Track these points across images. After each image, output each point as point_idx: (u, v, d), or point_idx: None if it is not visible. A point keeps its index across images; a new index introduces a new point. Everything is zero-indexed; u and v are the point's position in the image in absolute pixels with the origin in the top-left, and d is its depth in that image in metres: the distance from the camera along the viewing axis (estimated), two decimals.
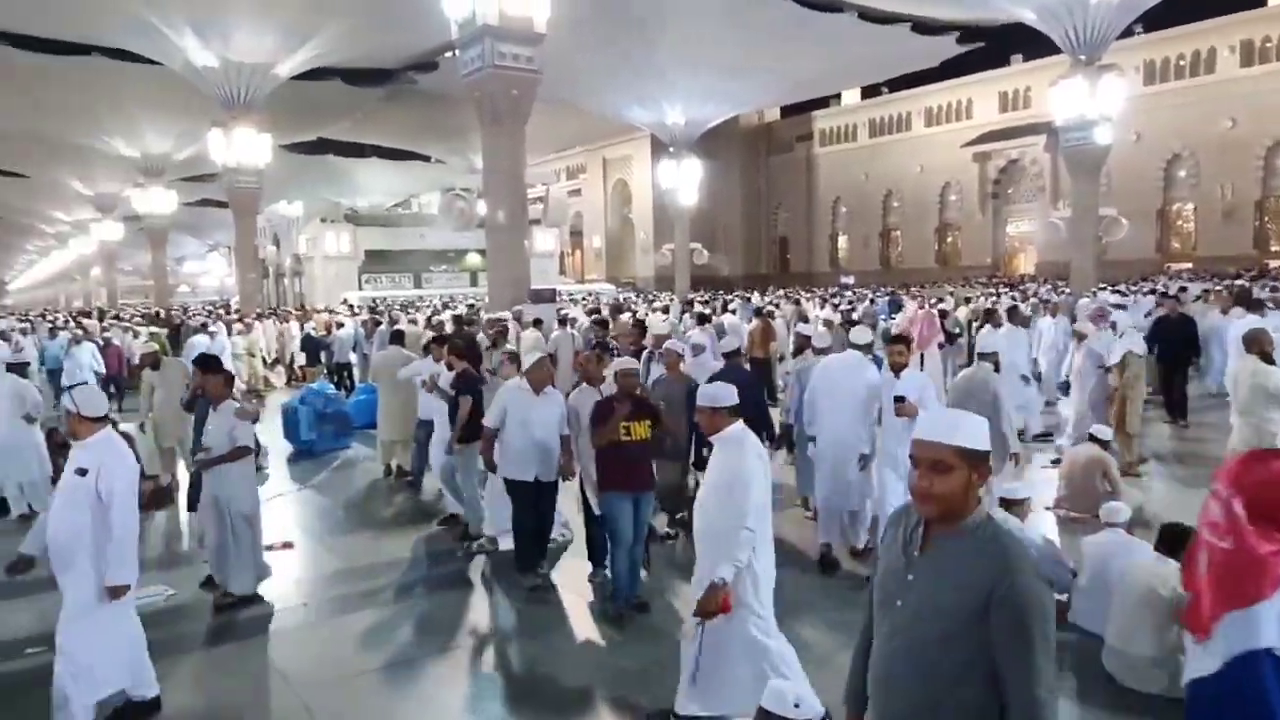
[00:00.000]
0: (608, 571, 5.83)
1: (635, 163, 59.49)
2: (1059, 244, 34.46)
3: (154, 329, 18.85)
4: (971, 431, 2.02)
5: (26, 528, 5.01)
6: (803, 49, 29.79)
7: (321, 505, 8.94)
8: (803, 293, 29.34)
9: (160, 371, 9.19)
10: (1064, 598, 5.01)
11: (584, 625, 5.56)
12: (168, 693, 4.53)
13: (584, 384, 6.32)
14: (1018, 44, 37.87)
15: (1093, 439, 7.48)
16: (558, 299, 20.83)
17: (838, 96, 54.68)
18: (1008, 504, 5.15)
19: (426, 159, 45.83)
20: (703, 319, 13.83)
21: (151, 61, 26.12)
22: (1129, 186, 39.96)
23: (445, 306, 26.84)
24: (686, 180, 38.23)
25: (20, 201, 53.49)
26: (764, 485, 3.89)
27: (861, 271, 51.88)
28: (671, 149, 38.13)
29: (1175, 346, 11.33)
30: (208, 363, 6.32)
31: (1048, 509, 7.47)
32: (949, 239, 53.08)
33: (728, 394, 4.01)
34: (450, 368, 7.53)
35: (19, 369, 9.26)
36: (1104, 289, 21.23)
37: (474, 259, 44.39)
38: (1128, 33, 27.64)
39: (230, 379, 6.44)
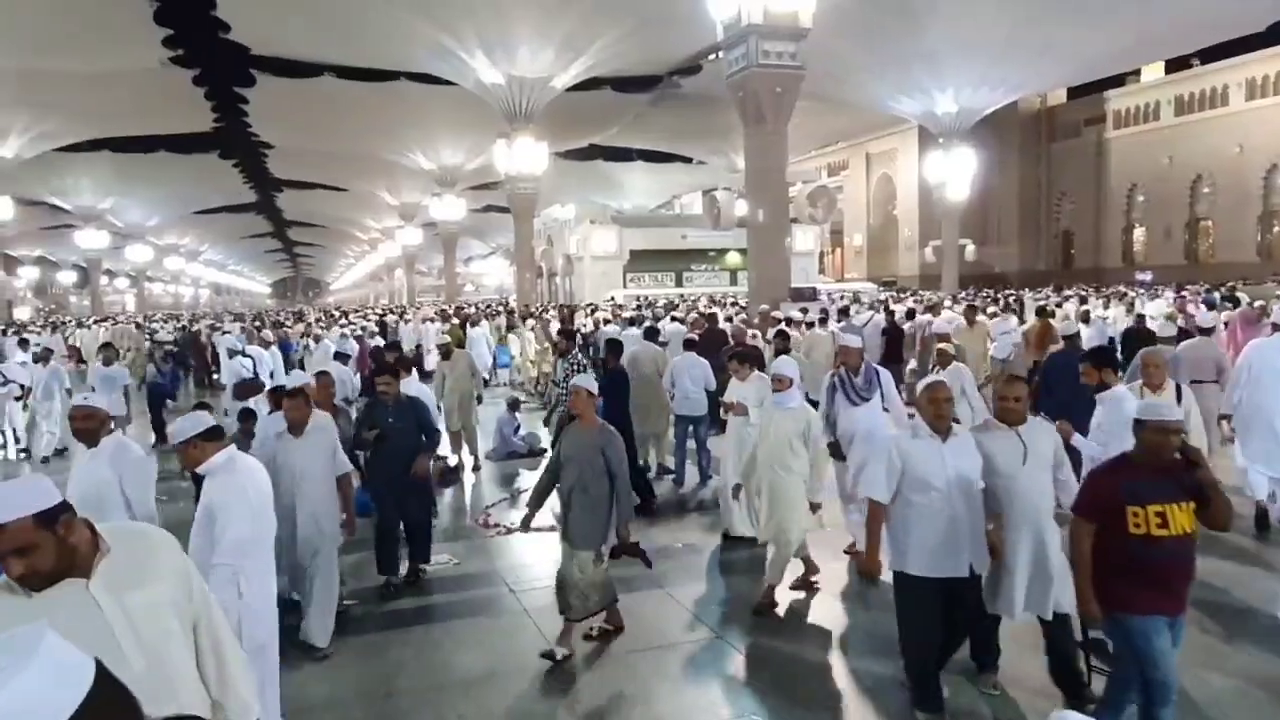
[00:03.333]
0: None
1: (900, 156, 57.15)
2: None
3: (453, 323, 20.97)
4: None
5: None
6: (1095, 22, 27.00)
7: None
8: (1088, 290, 26.71)
9: (450, 362, 10.13)
10: None
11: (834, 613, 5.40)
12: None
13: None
14: None
15: None
16: (818, 297, 20.46)
17: (1136, 73, 49.03)
18: None
19: (688, 160, 46.95)
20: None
21: (447, 82, 28.88)
22: None
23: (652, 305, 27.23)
24: (957, 172, 36.09)
25: (341, 212, 61.40)
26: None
27: (1161, 267, 46.20)
28: (941, 140, 36.17)
29: None
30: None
31: None
32: (1276, 228, 45.95)
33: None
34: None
35: (344, 359, 10.51)
36: None
37: (734, 258, 44.79)
38: None
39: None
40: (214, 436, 3.76)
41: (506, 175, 30.03)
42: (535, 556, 7.18)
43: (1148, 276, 40.46)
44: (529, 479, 9.30)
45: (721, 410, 7.54)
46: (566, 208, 50.49)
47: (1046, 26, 27.01)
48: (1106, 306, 19.40)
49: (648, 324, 14.61)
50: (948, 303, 23.21)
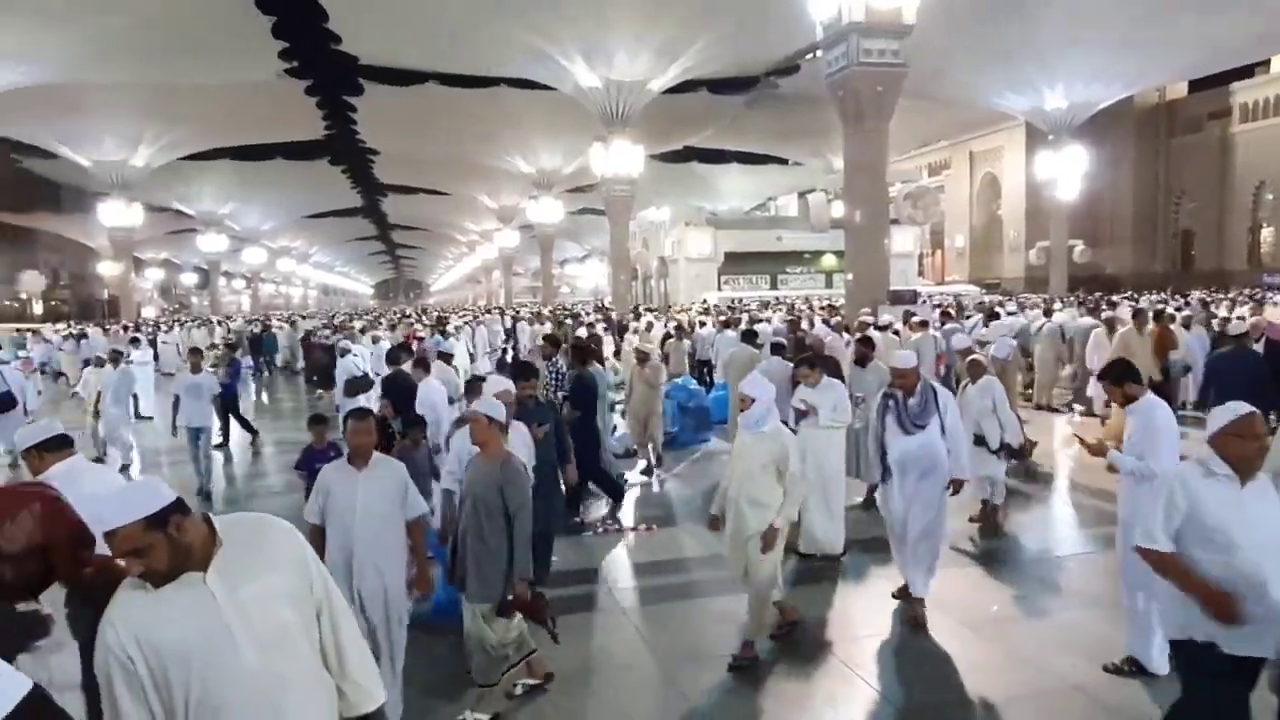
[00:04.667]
0: None
1: (1006, 154, 55.23)
2: None
3: (548, 326, 21.36)
4: None
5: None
6: (1221, 9, 25.53)
7: (682, 494, 9.41)
8: (1212, 292, 25.25)
9: (552, 363, 10.28)
10: None
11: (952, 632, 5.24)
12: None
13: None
14: None
15: None
16: (918, 300, 19.94)
17: (1265, 63, 46.06)
18: None
19: (784, 162, 46.50)
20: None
21: (546, 87, 29.37)
22: None
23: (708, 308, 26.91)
24: (1067, 170, 34.69)
25: (442, 215, 63.18)
26: None
27: None
28: (1050, 137, 34.83)
29: None
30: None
31: None
32: None
33: None
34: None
35: (446, 358, 10.79)
36: None
37: (829, 260, 44.12)
38: None
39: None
40: (55, 447, 3.57)
41: (603, 178, 30.36)
42: (635, 556, 7.24)
43: (1278, 279, 37.98)
44: (627, 479, 9.39)
45: (793, 418, 7.38)
46: (662, 210, 50.66)
47: (1168, 16, 25.67)
48: (1232, 309, 18.34)
49: (743, 326, 14.56)
50: (1057, 306, 22.31)
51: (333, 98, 33.11)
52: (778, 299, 36.06)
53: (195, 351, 11.94)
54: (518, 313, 30.25)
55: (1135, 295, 27.22)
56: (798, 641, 5.35)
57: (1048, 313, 18.03)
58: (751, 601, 5.05)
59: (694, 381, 14.04)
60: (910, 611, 5.61)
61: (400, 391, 8.35)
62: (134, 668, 2.07)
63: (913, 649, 5.22)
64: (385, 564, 4.20)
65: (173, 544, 2.08)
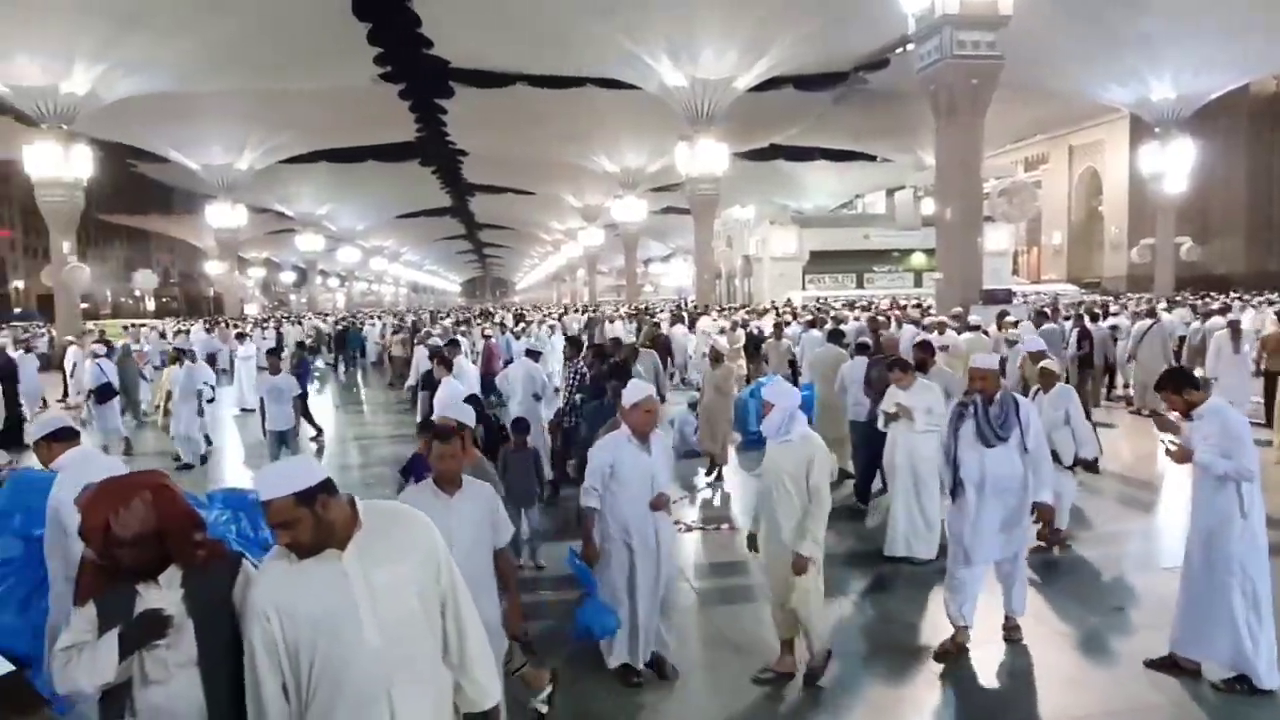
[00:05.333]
0: None
1: (1108, 148, 52.94)
2: None
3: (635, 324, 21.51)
4: None
5: None
6: None
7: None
8: None
9: (639, 362, 10.35)
10: None
11: None
12: None
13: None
14: None
15: None
16: (1013, 300, 19.33)
17: None
18: None
19: (872, 158, 45.68)
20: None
21: (632, 87, 29.51)
22: None
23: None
24: (1174, 164, 33.09)
25: (528, 214, 64.16)
26: None
27: None
28: (1157, 129, 33.26)
29: None
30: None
31: None
32: None
33: None
34: None
35: (535, 355, 10.93)
36: None
37: (918, 259, 43.14)
38: None
39: None
40: (62, 438, 3.88)
41: (687, 177, 30.37)
42: (713, 553, 7.22)
43: None
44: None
45: (880, 421, 7.18)
46: (746, 208, 50.35)
47: None
48: None
49: (829, 326, 14.34)
50: (1161, 305, 21.29)
51: (424, 100, 34.02)
52: (863, 298, 35.39)
53: (273, 353, 11.64)
54: (596, 310, 30.38)
55: (1243, 296, 25.74)
56: (887, 648, 5.25)
57: (1150, 314, 17.21)
58: (803, 622, 4.68)
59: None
60: (1006, 626, 5.24)
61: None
62: (270, 628, 2.24)
63: (1006, 660, 5.05)
64: (483, 602, 3.44)
65: (318, 520, 2.23)
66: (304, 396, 13.44)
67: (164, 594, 2.37)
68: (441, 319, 30.53)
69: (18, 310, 58.62)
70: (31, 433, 4.09)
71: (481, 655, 2.51)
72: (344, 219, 59.65)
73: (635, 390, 4.69)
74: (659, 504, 4.60)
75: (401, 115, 35.46)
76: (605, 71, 29.29)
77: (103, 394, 12.12)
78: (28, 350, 17.70)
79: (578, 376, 9.40)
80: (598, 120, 35.06)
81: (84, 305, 36.50)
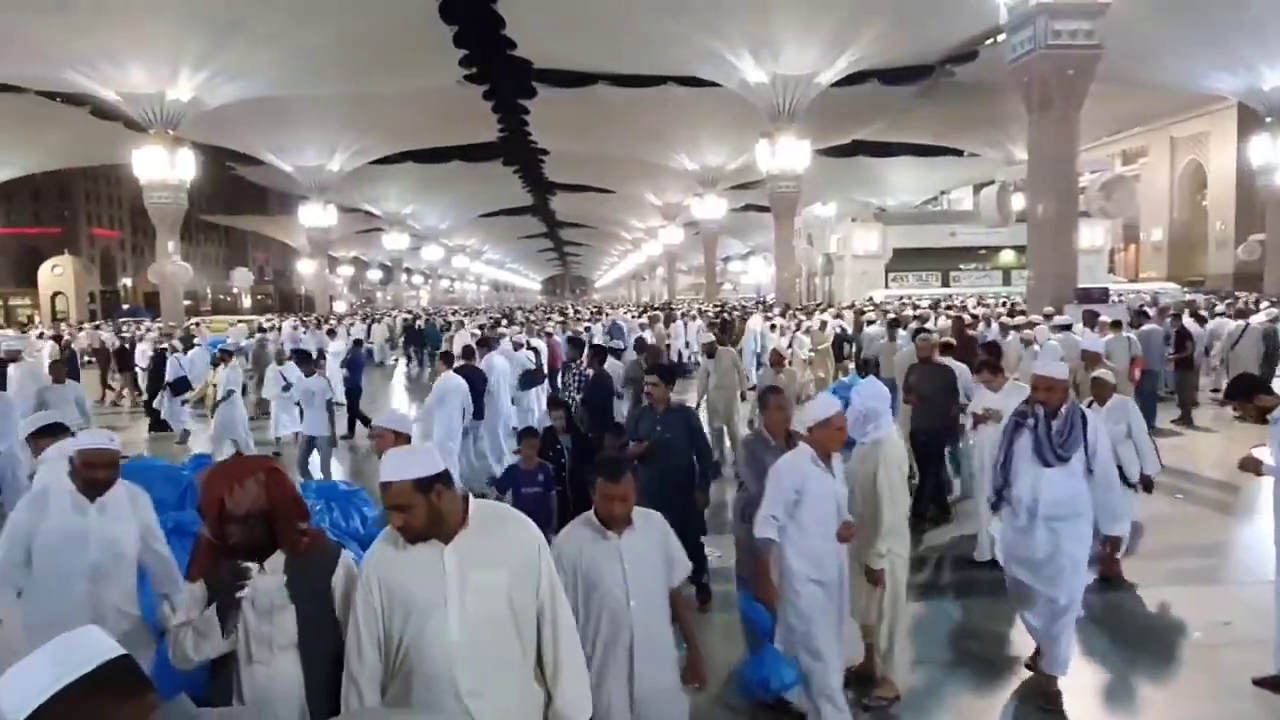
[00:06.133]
0: None
1: (1214, 140, 50.35)
2: None
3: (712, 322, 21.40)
4: None
5: None
6: None
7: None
8: None
9: (715, 359, 10.30)
10: None
11: None
12: None
13: None
14: None
15: None
16: (1109, 299, 18.55)
17: None
18: None
19: (959, 153, 44.51)
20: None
21: (712, 84, 29.40)
22: None
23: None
24: None
25: (608, 213, 64.59)
26: None
27: None
28: (1268, 119, 31.48)
29: None
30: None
31: None
32: None
33: None
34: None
35: (614, 353, 11.00)
36: None
37: (1007, 256, 41.86)
38: None
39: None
40: (51, 433, 4.34)
41: (768, 174, 30.10)
42: None
43: None
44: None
45: (970, 423, 6.96)
46: (828, 206, 49.66)
47: None
48: None
49: (914, 325, 14.04)
50: (1264, 305, 20.16)
51: (507, 101, 34.57)
52: (950, 297, 34.49)
53: (300, 355, 10.87)
54: (670, 309, 30.16)
55: None
56: (975, 655, 5.11)
57: (1241, 314, 16.31)
58: (875, 637, 4.53)
59: (860, 381, 13.65)
60: (1044, 687, 4.48)
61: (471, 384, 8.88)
62: (372, 600, 2.36)
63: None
64: (665, 665, 3.08)
65: (431, 508, 2.31)
66: (356, 393, 13.34)
67: (269, 578, 2.47)
68: (491, 319, 29.85)
69: (126, 306, 61.77)
70: (23, 428, 4.61)
71: (574, 670, 2.52)
72: (428, 218, 61.05)
73: (823, 405, 4.08)
74: (846, 534, 4.01)
75: (485, 116, 36.12)
76: (686, 69, 29.25)
77: (178, 387, 12.60)
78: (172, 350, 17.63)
79: (578, 379, 8.94)
80: (678, 118, 35.05)
81: (186, 301, 38.25)
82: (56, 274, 59.87)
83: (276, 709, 2.44)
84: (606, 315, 26.64)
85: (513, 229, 76.60)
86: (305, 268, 58.24)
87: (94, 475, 3.39)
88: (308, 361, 10.18)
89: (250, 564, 2.45)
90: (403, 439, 4.26)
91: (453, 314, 39.19)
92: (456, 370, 9.05)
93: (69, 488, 3.43)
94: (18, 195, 62.77)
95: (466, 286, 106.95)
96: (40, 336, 24.30)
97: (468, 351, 10.15)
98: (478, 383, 9.09)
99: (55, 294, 59.65)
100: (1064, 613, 4.39)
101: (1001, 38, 20.23)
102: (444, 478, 2.35)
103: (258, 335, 17.95)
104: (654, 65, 29.78)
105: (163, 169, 27.92)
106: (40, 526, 3.37)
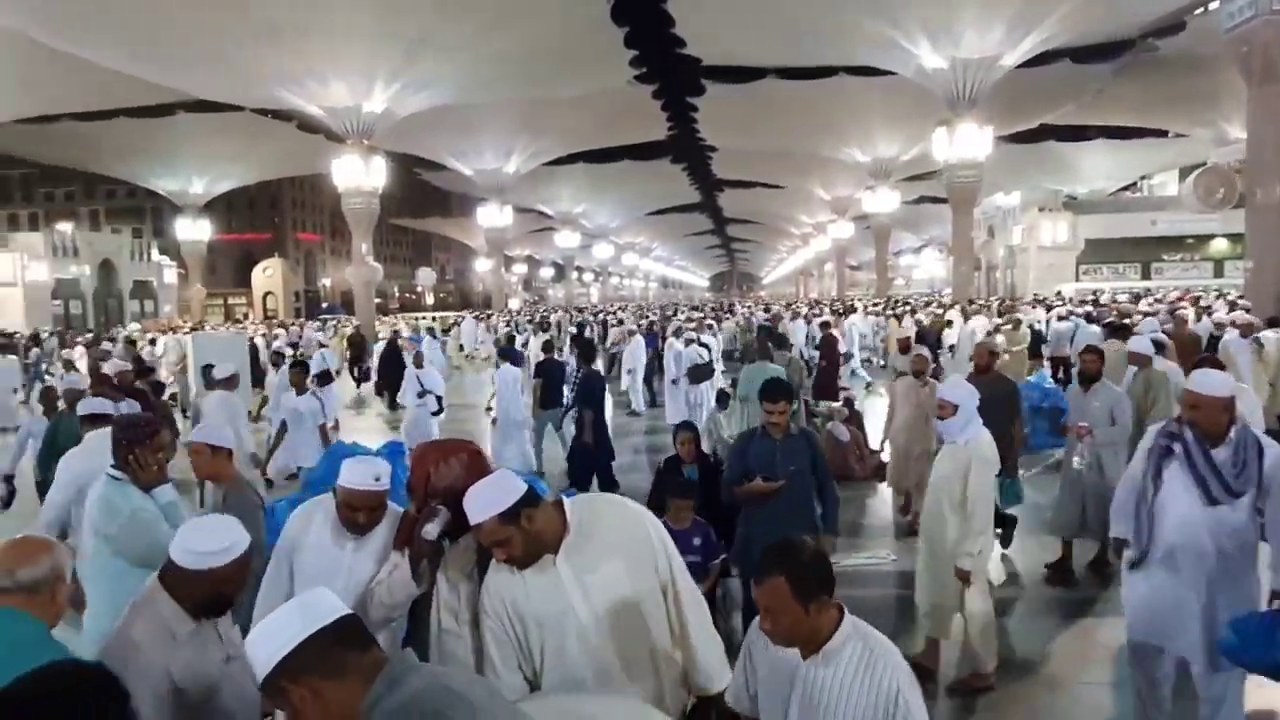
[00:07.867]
0: None
1: None
2: None
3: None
4: None
5: None
6: None
7: (1031, 501, 8.54)
8: None
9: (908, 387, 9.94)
10: None
11: None
12: None
13: None
14: None
15: None
16: None
17: None
18: None
19: (1162, 134, 40.80)
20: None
21: (886, 72, 28.40)
22: None
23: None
24: None
25: (776, 208, 63.90)
26: None
27: None
28: None
29: None
30: None
31: None
32: None
33: None
34: None
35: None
36: None
37: (1219, 245, 38.13)
38: None
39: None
40: (97, 421, 4.86)
41: (945, 164, 28.72)
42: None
43: None
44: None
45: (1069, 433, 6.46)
46: (1011, 195, 46.95)
47: None
48: None
49: (1110, 320, 13.05)
50: None
51: (676, 99, 34.82)
52: (1148, 290, 31.78)
53: (298, 366, 9.49)
54: (838, 304, 29.25)
55: None
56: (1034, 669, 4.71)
57: None
58: (969, 636, 4.56)
59: (1048, 380, 12.83)
60: None
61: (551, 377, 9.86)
62: (501, 626, 2.40)
63: None
64: None
65: (525, 534, 2.31)
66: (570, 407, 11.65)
67: (460, 555, 2.58)
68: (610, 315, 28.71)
69: (325, 305, 67.04)
70: (80, 409, 5.26)
71: (708, 641, 2.55)
72: (599, 216, 62.53)
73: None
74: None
75: (654, 115, 36.53)
76: (858, 59, 28.41)
77: (323, 378, 13.51)
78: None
79: (578, 382, 8.84)
80: (849, 110, 34.12)
81: (377, 300, 41.01)
82: (267, 275, 65.86)
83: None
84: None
85: (681, 226, 77.16)
86: (482, 266, 61.09)
87: (354, 519, 2.84)
88: (301, 372, 9.01)
89: (440, 506, 2.56)
90: (221, 453, 3.79)
91: (610, 312, 39.56)
92: (539, 364, 10.45)
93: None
94: (236, 204, 69.38)
95: (635, 284, 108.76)
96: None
97: (548, 345, 11.85)
98: (555, 373, 10.07)
99: (266, 293, 65.67)
100: (1216, 690, 3.49)
101: (1214, 5, 18.39)
102: (528, 500, 2.32)
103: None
104: (825, 56, 29.10)
105: (358, 176, 30.01)
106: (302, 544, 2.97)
